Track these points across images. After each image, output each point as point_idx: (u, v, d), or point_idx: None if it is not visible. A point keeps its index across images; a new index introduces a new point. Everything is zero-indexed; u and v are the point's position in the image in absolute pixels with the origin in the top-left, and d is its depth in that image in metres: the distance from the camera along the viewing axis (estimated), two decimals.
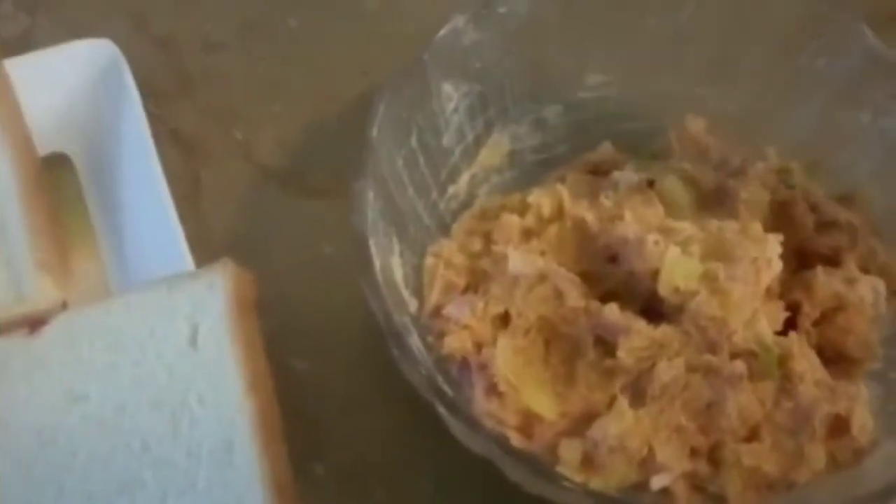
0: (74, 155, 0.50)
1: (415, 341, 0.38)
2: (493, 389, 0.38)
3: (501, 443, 0.34)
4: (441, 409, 0.34)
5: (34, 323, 0.43)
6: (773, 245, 0.40)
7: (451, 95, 0.44)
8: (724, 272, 0.39)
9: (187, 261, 0.43)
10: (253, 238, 0.49)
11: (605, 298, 0.41)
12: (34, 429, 0.40)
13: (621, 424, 0.37)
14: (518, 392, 0.38)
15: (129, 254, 0.47)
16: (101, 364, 0.41)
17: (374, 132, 0.39)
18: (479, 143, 0.47)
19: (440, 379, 0.37)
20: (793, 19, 0.45)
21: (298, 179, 0.51)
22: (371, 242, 0.37)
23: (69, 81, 0.50)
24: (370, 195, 0.38)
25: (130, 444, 0.39)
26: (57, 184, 0.49)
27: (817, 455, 0.37)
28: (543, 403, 0.38)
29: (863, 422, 0.38)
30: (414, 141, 0.43)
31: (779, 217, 0.44)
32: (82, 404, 0.40)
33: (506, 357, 0.39)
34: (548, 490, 0.34)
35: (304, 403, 0.43)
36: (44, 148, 0.49)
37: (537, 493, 0.36)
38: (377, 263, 0.37)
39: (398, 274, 0.41)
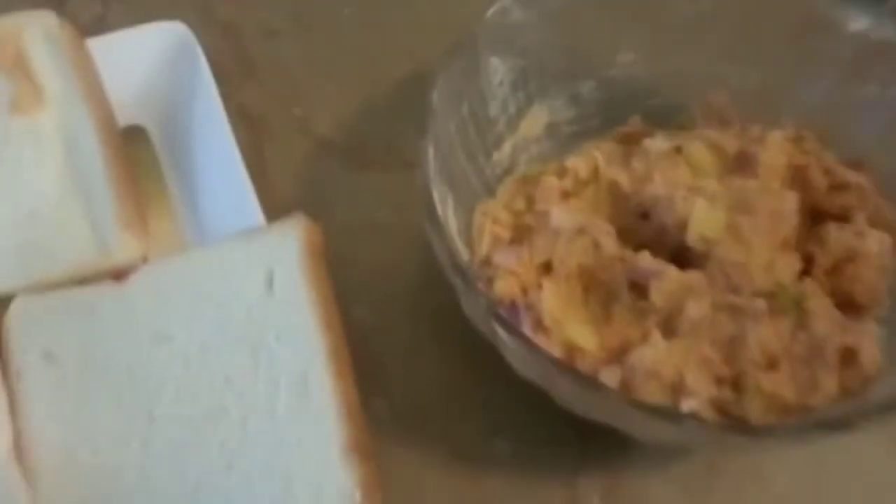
0: (151, 127, 0.54)
1: None
2: (539, 325, 0.43)
3: (556, 361, 0.39)
4: (501, 333, 0.38)
5: (118, 275, 0.47)
6: (790, 199, 0.44)
7: (498, 69, 0.49)
8: (746, 223, 0.43)
9: (260, 219, 0.48)
10: (313, 204, 0.52)
11: (637, 251, 0.46)
12: (124, 365, 0.44)
13: (655, 353, 0.41)
14: (562, 327, 0.43)
15: (204, 214, 0.51)
16: (185, 308, 0.45)
17: (435, 98, 0.44)
18: (520, 114, 0.51)
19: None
20: (805, 3, 0.50)
21: (353, 152, 0.56)
22: (434, 192, 0.41)
23: (145, 60, 0.54)
24: (431, 152, 0.43)
25: (214, 378, 0.43)
26: (135, 153, 0.53)
27: (830, 383, 0.42)
28: (584, 337, 0.43)
29: (871, 354, 0.42)
30: (465, 110, 0.47)
31: (795, 179, 0.48)
32: (168, 344, 0.44)
33: (550, 297, 0.43)
34: (596, 406, 0.38)
35: (365, 346, 0.47)
36: (123, 120, 0.53)
37: (583, 415, 0.40)
38: (439, 210, 0.41)
39: (453, 226, 0.45)
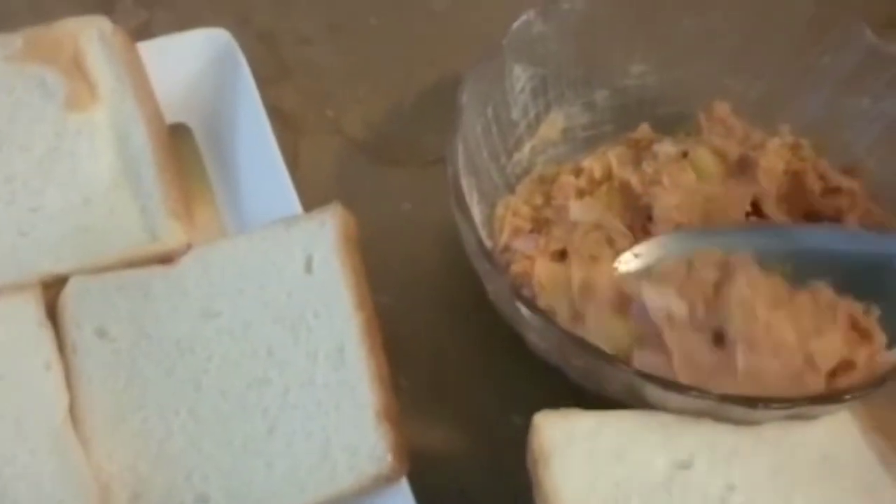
0: (195, 125, 0.58)
1: None
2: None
3: (570, 335, 0.42)
4: (523, 310, 0.42)
5: (165, 259, 0.50)
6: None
7: (520, 77, 0.53)
8: None
9: (297, 208, 0.52)
10: (343, 197, 0.56)
11: None
12: (174, 340, 0.48)
13: None
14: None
15: (244, 206, 0.55)
16: (231, 288, 0.49)
17: (464, 98, 0.48)
18: (539, 119, 0.55)
19: None
20: (804, 20, 0.53)
21: (380, 150, 0.60)
22: (462, 181, 0.45)
23: (190, 63, 0.58)
24: (460, 146, 0.47)
25: (257, 351, 0.47)
26: (180, 149, 0.57)
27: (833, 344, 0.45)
28: None
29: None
30: (490, 112, 0.52)
31: (791, 184, 0.52)
32: (215, 320, 0.48)
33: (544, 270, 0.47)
34: (607, 380, 0.42)
35: (390, 329, 0.50)
36: (169, 118, 0.57)
37: (595, 390, 0.44)
38: (466, 198, 0.45)
39: (476, 217, 0.49)
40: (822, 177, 0.52)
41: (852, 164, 0.53)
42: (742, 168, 0.52)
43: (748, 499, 0.41)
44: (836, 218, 0.51)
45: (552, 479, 0.40)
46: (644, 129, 0.56)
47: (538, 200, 0.52)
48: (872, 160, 0.53)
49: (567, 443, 0.41)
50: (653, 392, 0.40)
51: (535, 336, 0.44)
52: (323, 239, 0.49)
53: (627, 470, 0.41)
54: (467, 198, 0.46)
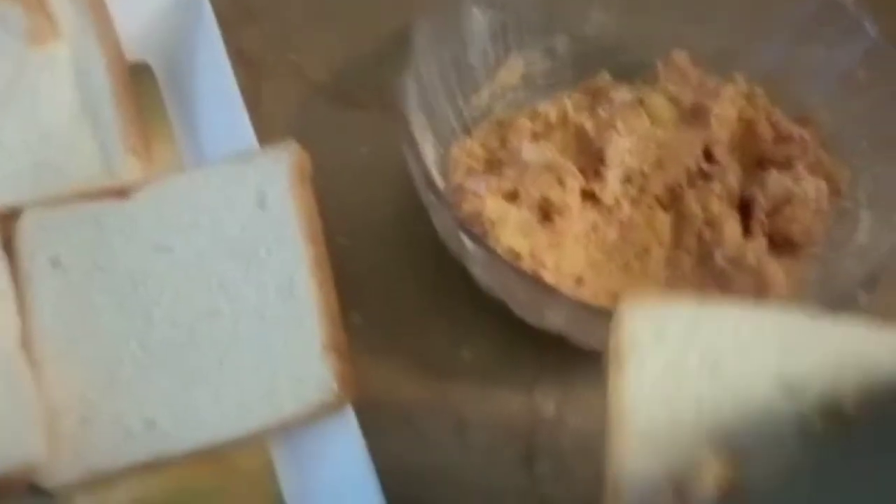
0: (156, 64, 0.58)
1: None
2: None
3: (513, 265, 0.43)
4: (467, 243, 0.42)
5: (122, 193, 0.51)
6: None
7: (479, 20, 0.53)
8: None
9: (254, 146, 0.52)
10: (302, 139, 0.56)
11: None
12: (126, 271, 0.48)
13: None
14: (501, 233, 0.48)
15: (203, 144, 0.55)
16: (184, 221, 0.49)
17: (417, 37, 0.48)
18: (498, 64, 0.55)
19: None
20: None
21: (342, 94, 0.60)
22: (412, 119, 0.46)
23: (153, 2, 0.58)
24: (410, 85, 0.47)
25: (209, 284, 0.47)
26: (140, 87, 0.57)
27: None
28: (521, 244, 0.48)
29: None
30: (447, 54, 0.52)
31: (744, 131, 0.53)
32: (168, 254, 0.48)
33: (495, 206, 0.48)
34: (549, 310, 0.43)
35: (344, 269, 0.50)
36: (130, 57, 0.57)
37: (539, 324, 0.45)
38: (416, 136, 0.46)
39: (430, 157, 0.50)
40: (774, 125, 0.53)
41: (805, 114, 0.54)
42: (695, 115, 0.53)
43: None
44: (786, 164, 0.52)
45: (622, 386, 0.33)
46: (603, 77, 0.56)
47: (494, 143, 0.53)
48: (825, 110, 0.53)
49: (653, 340, 0.33)
50: (590, 322, 0.41)
51: (480, 269, 0.44)
52: (277, 175, 0.49)
53: (720, 386, 0.32)
54: (419, 136, 0.46)
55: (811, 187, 0.50)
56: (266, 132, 0.56)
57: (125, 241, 0.49)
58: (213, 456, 0.45)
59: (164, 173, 0.53)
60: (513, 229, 0.47)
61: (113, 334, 0.47)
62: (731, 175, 0.51)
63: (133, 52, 0.57)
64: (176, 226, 0.49)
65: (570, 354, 0.47)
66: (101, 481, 0.44)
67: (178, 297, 0.48)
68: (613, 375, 0.33)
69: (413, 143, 0.45)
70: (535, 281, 0.42)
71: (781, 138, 0.53)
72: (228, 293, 0.47)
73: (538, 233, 0.48)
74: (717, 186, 0.51)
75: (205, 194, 0.50)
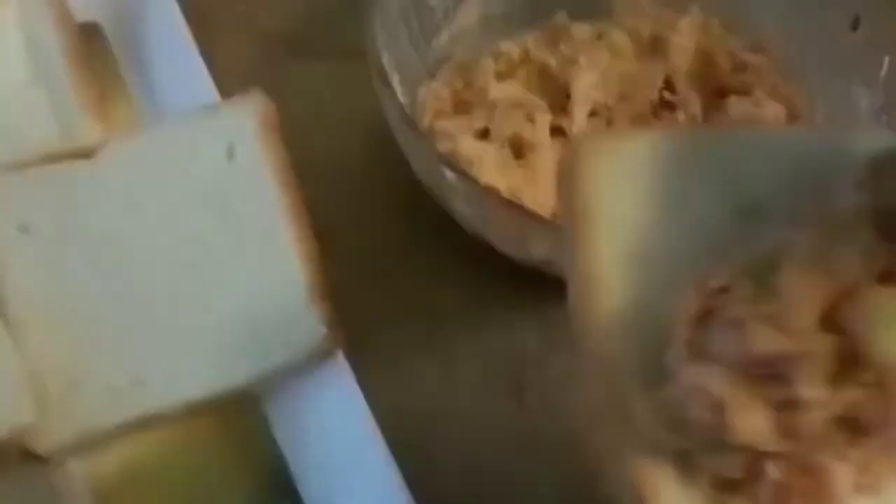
0: (106, 23, 0.57)
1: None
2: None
3: (493, 192, 0.44)
4: (447, 174, 0.42)
5: (86, 154, 0.49)
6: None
7: None
8: None
9: (215, 98, 0.51)
10: (263, 91, 0.57)
11: None
12: (98, 232, 0.47)
13: None
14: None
15: (161, 102, 0.55)
16: (152, 178, 0.48)
17: None
18: (456, 5, 0.55)
19: None
20: None
21: (299, 44, 0.59)
22: (383, 55, 0.45)
23: None
24: (379, 29, 0.47)
25: (183, 238, 0.47)
26: (92, 48, 0.55)
27: None
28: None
29: None
30: None
31: (702, 61, 0.54)
32: (139, 212, 0.47)
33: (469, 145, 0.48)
34: (530, 242, 0.43)
35: (317, 219, 0.50)
36: (79, 18, 0.56)
37: (520, 257, 0.46)
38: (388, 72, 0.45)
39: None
40: (730, 54, 0.54)
41: (759, 41, 0.55)
42: (654, 47, 0.54)
43: None
44: (745, 91, 0.53)
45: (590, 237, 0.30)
46: (561, 17, 0.56)
47: (459, 85, 0.53)
48: (778, 36, 0.55)
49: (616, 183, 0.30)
50: None
51: (462, 203, 0.45)
52: (244, 126, 0.49)
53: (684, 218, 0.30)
54: (389, 75, 0.46)
55: (770, 111, 0.52)
56: (223, 88, 0.55)
57: (94, 202, 0.48)
58: (204, 411, 0.44)
59: (125, 132, 0.52)
60: (489, 167, 0.48)
61: (91, 295, 0.46)
62: (694, 104, 0.52)
63: (82, 13, 0.56)
64: (144, 183, 0.48)
65: (550, 289, 0.48)
66: (92, 443, 0.43)
67: (155, 253, 0.47)
68: (578, 230, 0.30)
69: (387, 83, 0.45)
70: (521, 209, 0.42)
71: (738, 66, 0.54)
72: (205, 246, 0.47)
73: (513, 169, 0.48)
74: (681, 116, 0.52)
75: (172, 150, 0.49)
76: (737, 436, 0.25)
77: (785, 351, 0.25)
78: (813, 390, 0.25)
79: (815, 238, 0.27)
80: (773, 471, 0.25)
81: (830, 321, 0.26)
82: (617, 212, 0.30)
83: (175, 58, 0.54)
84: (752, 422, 0.25)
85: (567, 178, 0.30)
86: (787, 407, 0.25)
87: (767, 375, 0.25)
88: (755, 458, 0.25)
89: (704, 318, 0.27)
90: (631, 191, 0.30)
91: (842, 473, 0.25)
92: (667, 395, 0.27)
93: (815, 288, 0.26)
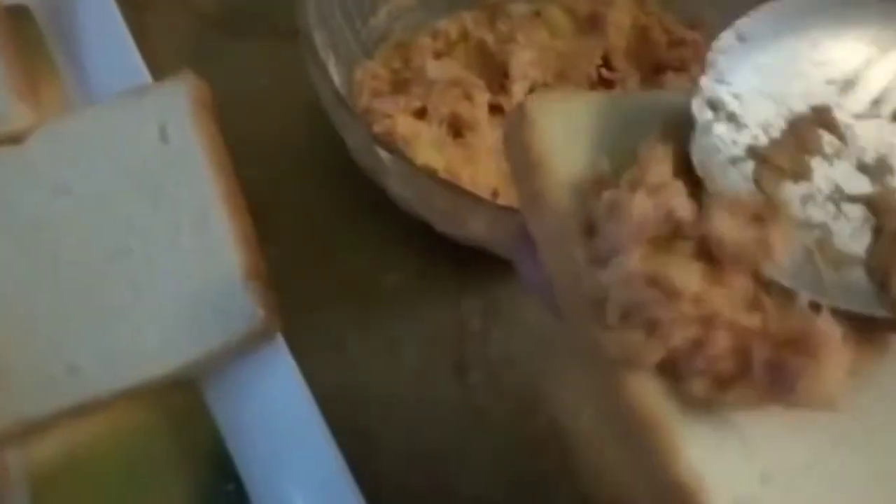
0: (34, 6, 0.56)
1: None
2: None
3: (430, 171, 0.43)
4: (383, 155, 0.42)
5: (15, 138, 0.49)
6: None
7: None
8: None
9: (147, 79, 0.50)
10: (197, 73, 0.56)
11: None
12: (27, 217, 0.46)
13: None
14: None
15: (92, 84, 0.53)
16: (83, 161, 0.47)
17: None
18: None
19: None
20: None
21: (232, 24, 0.59)
22: (316, 39, 0.45)
23: None
24: (312, 8, 0.46)
25: (116, 222, 0.46)
26: (20, 31, 0.54)
27: None
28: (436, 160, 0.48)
29: None
30: None
31: (639, 37, 0.54)
32: (68, 195, 0.47)
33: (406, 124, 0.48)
34: (469, 220, 0.43)
35: (256, 201, 0.50)
36: (6, 1, 0.54)
37: (460, 235, 0.45)
38: (321, 53, 0.45)
39: (334, 80, 0.49)
40: (667, 30, 0.54)
41: (695, 17, 0.55)
42: (592, 24, 0.54)
43: None
44: (681, 67, 0.53)
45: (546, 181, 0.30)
46: None
47: (396, 64, 0.53)
48: (714, 12, 0.55)
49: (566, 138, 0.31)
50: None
51: (397, 184, 0.44)
52: (176, 107, 0.48)
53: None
54: (322, 55, 0.45)
55: None
56: (155, 69, 0.54)
57: (23, 187, 0.47)
58: (142, 396, 0.44)
59: (56, 115, 0.51)
60: (426, 146, 0.47)
61: (22, 282, 0.45)
62: (632, 81, 0.52)
63: None
64: (74, 166, 0.47)
65: (491, 267, 0.48)
66: (28, 432, 0.42)
67: (85, 237, 0.46)
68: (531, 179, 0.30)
69: (319, 63, 0.44)
70: (455, 189, 0.42)
71: (675, 42, 0.54)
72: (138, 230, 0.46)
73: (451, 148, 0.48)
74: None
75: (102, 132, 0.48)
76: (682, 297, 0.25)
77: (658, 203, 0.26)
78: (688, 212, 0.26)
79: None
80: (759, 351, 0.25)
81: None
82: (567, 162, 0.30)
83: (106, 39, 0.53)
84: (686, 276, 0.26)
85: (517, 133, 0.31)
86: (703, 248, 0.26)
87: (668, 234, 0.26)
88: (709, 319, 0.25)
89: (591, 230, 0.28)
90: (579, 143, 0.31)
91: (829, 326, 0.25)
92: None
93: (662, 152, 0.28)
